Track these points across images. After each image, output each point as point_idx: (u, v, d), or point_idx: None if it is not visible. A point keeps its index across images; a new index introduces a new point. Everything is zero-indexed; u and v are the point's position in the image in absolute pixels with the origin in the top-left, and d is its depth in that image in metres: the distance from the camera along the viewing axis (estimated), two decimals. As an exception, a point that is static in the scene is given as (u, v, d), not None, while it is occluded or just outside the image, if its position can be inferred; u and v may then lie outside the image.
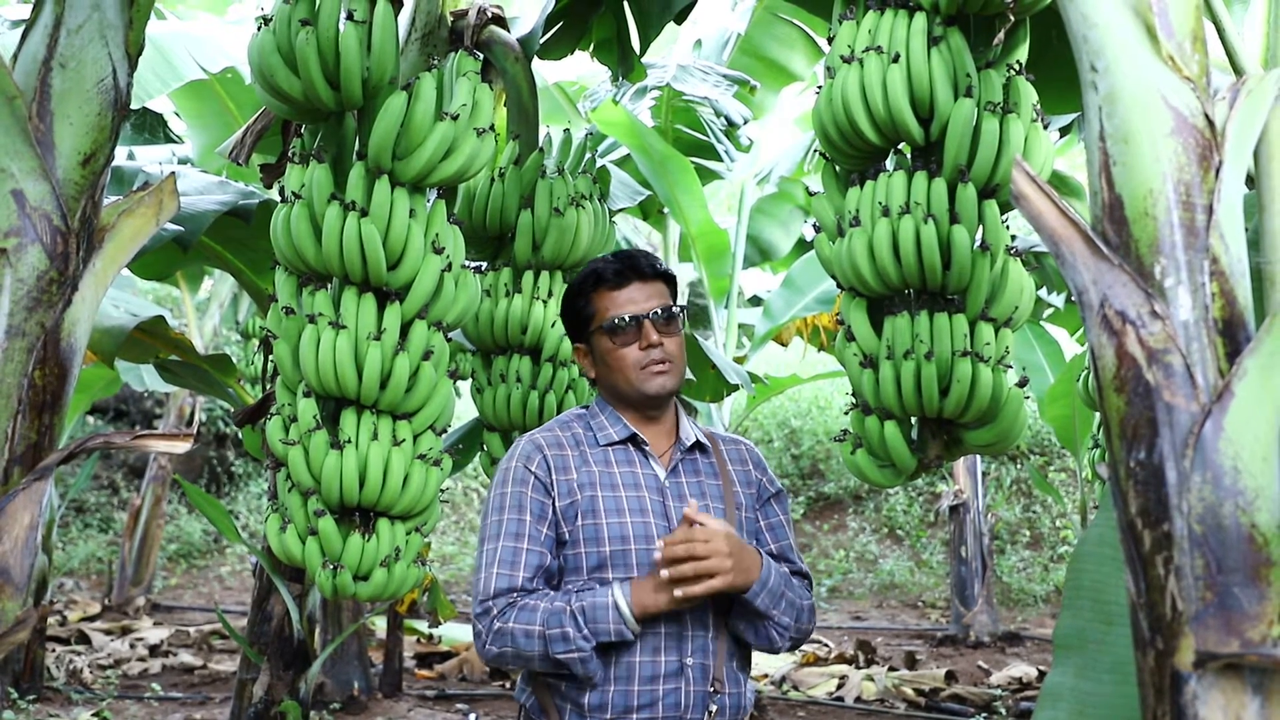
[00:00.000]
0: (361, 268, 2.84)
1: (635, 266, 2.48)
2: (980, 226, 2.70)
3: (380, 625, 8.13)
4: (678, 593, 2.22)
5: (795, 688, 7.72)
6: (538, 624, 2.25)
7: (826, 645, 8.84)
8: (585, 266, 2.57)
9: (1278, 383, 1.57)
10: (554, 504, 2.38)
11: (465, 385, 3.81)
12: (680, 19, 3.67)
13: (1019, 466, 12.56)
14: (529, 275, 3.59)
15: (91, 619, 9.86)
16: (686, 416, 2.56)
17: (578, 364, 2.94)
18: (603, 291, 2.47)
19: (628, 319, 2.43)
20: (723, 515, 2.44)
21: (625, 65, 3.96)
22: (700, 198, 6.55)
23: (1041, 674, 7.77)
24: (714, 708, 2.33)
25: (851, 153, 2.84)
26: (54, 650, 8.22)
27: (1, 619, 2.14)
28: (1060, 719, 1.93)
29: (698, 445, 2.52)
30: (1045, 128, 2.76)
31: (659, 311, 2.44)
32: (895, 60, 2.67)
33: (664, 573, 2.22)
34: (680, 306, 2.50)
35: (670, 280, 2.53)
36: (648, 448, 2.46)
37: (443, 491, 3.06)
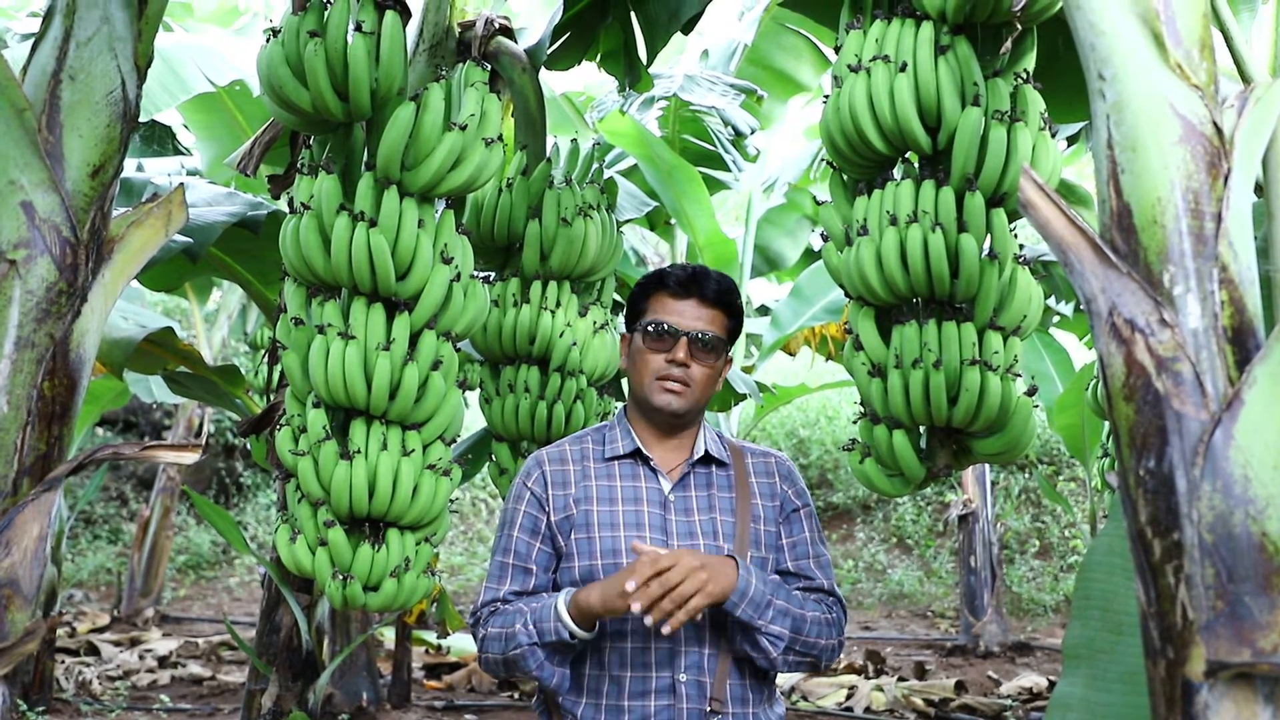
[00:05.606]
0: (370, 278, 2.84)
1: (701, 285, 2.45)
2: (988, 235, 2.70)
3: (389, 636, 8.10)
4: (664, 629, 2.13)
5: (804, 698, 7.69)
6: (502, 626, 2.32)
7: (836, 655, 8.80)
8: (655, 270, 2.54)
9: (1288, 390, 1.57)
10: (549, 519, 2.39)
11: (473, 395, 3.81)
12: (687, 29, 3.68)
13: (1028, 476, 12.52)
14: (537, 285, 3.60)
15: (100, 630, 9.85)
16: (711, 431, 2.51)
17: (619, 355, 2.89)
18: (661, 294, 2.45)
19: (666, 328, 2.41)
20: (731, 529, 2.39)
21: (632, 75, 3.96)
22: (708, 207, 6.54)
23: (1051, 684, 7.73)
24: None
25: (859, 162, 2.84)
26: (63, 662, 8.21)
27: (11, 630, 2.14)
28: (1070, 729, 1.92)
29: (712, 458, 2.46)
30: (1053, 136, 2.76)
31: (700, 334, 2.41)
32: (902, 69, 2.67)
33: (635, 607, 2.12)
34: (726, 339, 2.46)
35: (732, 313, 2.49)
36: (653, 462, 2.43)
37: (451, 502, 3.06)
